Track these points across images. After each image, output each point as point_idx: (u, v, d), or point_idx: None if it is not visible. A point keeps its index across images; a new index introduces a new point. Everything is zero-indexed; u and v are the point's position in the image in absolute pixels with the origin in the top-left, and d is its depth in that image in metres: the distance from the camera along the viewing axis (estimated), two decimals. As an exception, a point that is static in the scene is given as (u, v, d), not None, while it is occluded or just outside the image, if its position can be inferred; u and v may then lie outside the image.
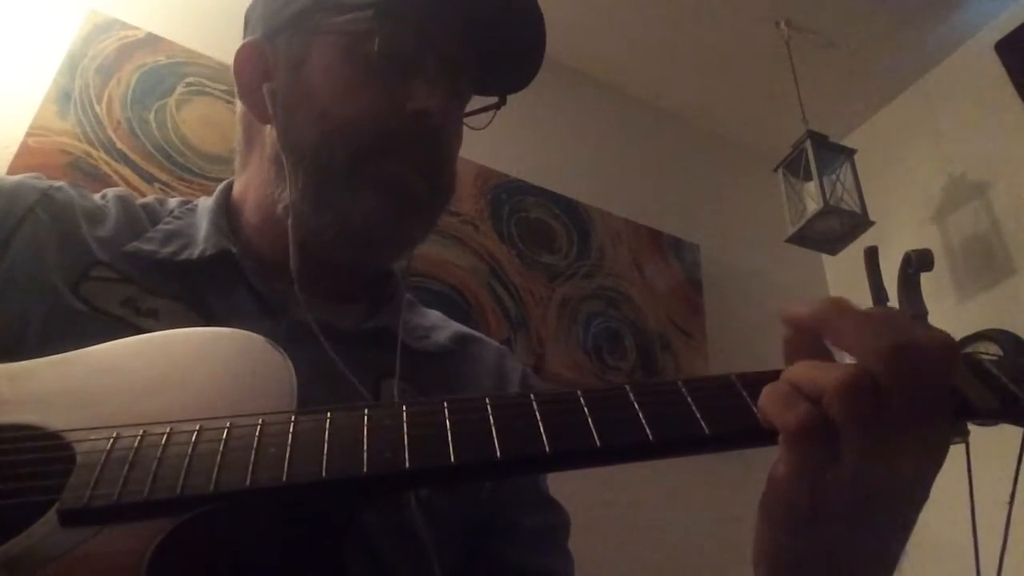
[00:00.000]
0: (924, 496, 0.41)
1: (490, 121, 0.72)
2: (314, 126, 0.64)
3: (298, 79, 0.66)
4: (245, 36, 0.73)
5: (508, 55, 0.69)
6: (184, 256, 0.64)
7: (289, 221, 0.64)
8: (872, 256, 0.49)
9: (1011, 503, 0.46)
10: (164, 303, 0.60)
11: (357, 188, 0.63)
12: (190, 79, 1.72)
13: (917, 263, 0.47)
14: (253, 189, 0.70)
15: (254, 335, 0.50)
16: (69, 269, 0.60)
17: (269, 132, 0.68)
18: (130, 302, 0.59)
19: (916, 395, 0.38)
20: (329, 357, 0.59)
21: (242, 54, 0.70)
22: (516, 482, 0.69)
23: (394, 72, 0.64)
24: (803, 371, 0.40)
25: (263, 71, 0.68)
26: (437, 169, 0.67)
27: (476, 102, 0.73)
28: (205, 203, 0.71)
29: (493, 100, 0.73)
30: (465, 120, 0.72)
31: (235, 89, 0.71)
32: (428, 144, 0.65)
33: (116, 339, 0.51)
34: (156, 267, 0.63)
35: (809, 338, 0.43)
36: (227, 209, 0.71)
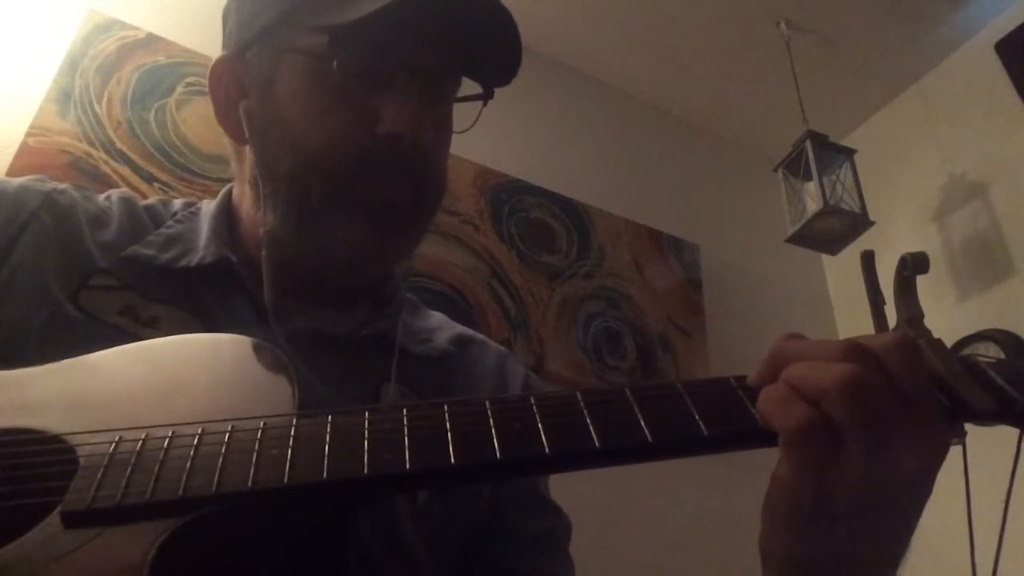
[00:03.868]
0: (927, 493, 0.42)
1: (475, 122, 0.69)
2: (288, 154, 0.62)
3: (269, 100, 0.63)
4: (223, 42, 0.70)
5: (482, 52, 0.65)
6: (183, 263, 0.63)
7: (263, 253, 0.62)
8: (868, 261, 0.49)
9: (1007, 504, 0.46)
10: (165, 309, 0.60)
11: (337, 214, 0.61)
12: (190, 79, 1.72)
13: (913, 266, 0.47)
14: (244, 202, 0.69)
15: (255, 340, 0.50)
16: (69, 276, 0.59)
17: (248, 152, 0.66)
18: (129, 311, 0.59)
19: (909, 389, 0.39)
20: (326, 366, 0.58)
21: (215, 73, 0.67)
22: (516, 487, 0.69)
23: (362, 92, 0.61)
24: (802, 371, 0.40)
25: (239, 89, 0.66)
26: (420, 182, 0.64)
27: (466, 89, 0.69)
28: (208, 207, 0.71)
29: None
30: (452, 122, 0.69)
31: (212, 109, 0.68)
32: (405, 163, 0.62)
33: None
34: (156, 272, 0.62)
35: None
36: (228, 214, 0.70)
